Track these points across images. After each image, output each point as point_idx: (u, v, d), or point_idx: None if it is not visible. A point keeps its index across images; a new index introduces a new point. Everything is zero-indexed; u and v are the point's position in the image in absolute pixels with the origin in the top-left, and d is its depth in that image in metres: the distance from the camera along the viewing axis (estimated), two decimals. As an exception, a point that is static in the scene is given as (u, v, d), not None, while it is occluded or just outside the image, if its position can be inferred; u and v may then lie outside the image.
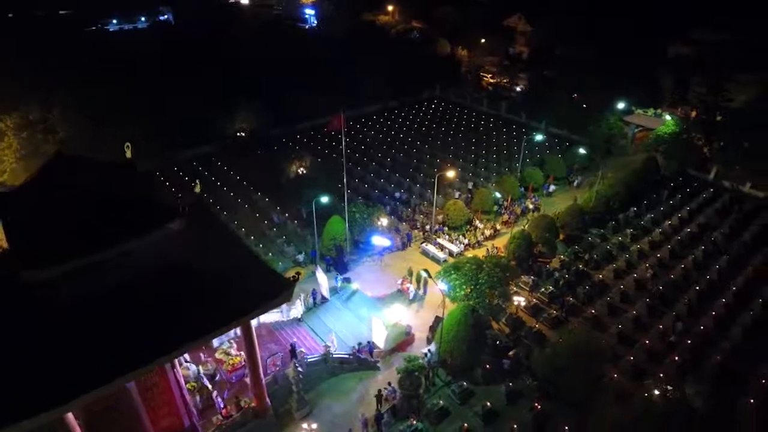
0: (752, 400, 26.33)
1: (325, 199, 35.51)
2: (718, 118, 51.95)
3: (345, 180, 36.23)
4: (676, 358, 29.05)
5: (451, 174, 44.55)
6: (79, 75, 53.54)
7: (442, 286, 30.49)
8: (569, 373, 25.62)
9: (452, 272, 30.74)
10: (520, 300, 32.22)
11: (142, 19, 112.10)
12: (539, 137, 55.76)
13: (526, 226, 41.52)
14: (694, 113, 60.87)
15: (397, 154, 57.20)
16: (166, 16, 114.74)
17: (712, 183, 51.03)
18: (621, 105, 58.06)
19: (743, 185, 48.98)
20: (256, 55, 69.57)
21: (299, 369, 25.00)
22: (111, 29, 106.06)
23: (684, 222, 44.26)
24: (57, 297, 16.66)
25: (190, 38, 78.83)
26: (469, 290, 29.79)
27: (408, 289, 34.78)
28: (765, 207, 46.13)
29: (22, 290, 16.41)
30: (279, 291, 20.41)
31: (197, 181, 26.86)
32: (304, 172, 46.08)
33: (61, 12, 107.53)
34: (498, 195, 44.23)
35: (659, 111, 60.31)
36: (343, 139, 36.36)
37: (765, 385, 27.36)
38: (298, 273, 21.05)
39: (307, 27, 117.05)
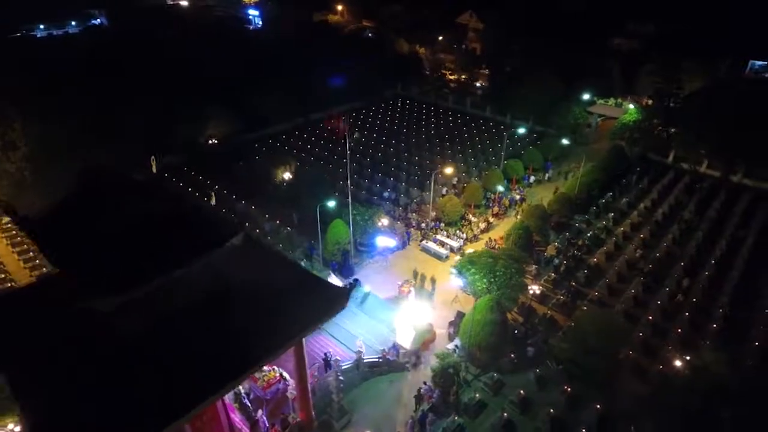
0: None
1: (332, 203, 34.77)
2: (672, 104, 55.91)
3: (349, 183, 35.55)
4: (679, 330, 31.18)
5: (449, 170, 44.96)
6: (24, 84, 48.91)
7: (459, 281, 30.95)
8: (594, 354, 26.72)
9: (469, 266, 31.14)
10: (534, 288, 33.22)
11: (73, 23, 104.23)
12: (522, 130, 57.53)
13: (518, 216, 42.89)
14: (644, 102, 65.17)
15: (375, 153, 56.95)
16: (98, 20, 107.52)
17: (671, 166, 54.92)
18: (586, 96, 60.99)
19: (700, 166, 53.06)
20: (203, 57, 66.24)
21: (340, 377, 24.49)
22: (38, 35, 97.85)
23: (656, 203, 47.40)
24: (119, 325, 15.32)
25: (129, 42, 73.77)
26: (488, 283, 30.30)
27: (407, 293, 33.92)
28: (721, 184, 50.38)
29: (81, 320, 15.02)
30: (335, 299, 19.89)
31: (212, 193, 25.62)
32: (291, 177, 44.85)
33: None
34: (500, 188, 45.11)
35: (619, 100, 64.04)
36: (347, 141, 35.80)
37: (759, 348, 29.90)
38: (356, 279, 20.57)
39: (251, 28, 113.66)
